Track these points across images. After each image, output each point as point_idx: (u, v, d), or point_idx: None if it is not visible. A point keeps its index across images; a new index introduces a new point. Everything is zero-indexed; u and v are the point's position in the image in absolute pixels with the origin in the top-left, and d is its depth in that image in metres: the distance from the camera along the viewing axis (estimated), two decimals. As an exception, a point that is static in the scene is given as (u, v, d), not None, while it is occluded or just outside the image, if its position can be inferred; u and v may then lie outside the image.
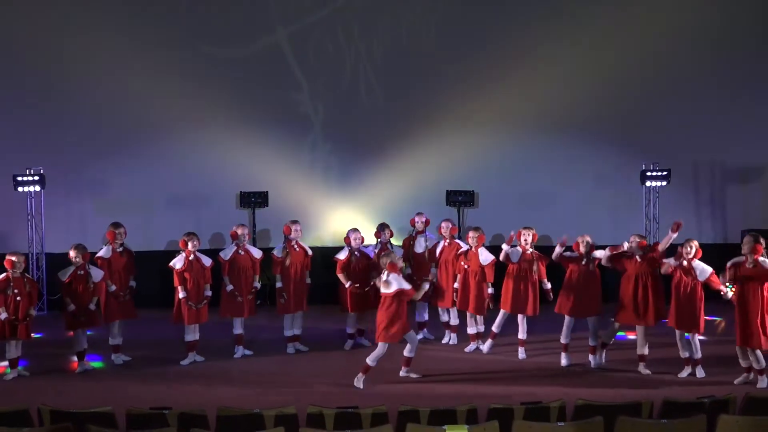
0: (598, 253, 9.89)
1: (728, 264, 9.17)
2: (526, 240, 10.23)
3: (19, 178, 12.79)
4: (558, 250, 9.93)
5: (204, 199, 13.65)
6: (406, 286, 9.22)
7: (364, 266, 10.74)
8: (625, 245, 9.68)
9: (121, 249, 10.33)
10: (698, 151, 14.06)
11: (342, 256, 10.76)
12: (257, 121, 13.59)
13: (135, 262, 10.52)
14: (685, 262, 9.33)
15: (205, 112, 13.46)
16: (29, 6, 13.21)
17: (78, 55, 13.25)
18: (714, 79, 13.90)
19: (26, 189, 12.90)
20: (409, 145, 13.75)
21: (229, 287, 10.40)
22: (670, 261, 9.44)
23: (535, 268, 10.18)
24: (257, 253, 10.72)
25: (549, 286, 10.21)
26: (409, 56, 13.89)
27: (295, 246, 10.68)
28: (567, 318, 10.00)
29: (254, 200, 13.51)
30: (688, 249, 9.35)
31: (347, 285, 10.62)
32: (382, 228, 11.12)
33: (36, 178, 12.84)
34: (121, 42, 13.23)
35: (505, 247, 10.25)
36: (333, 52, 13.89)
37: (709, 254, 9.69)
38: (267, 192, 13.53)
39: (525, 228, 10.30)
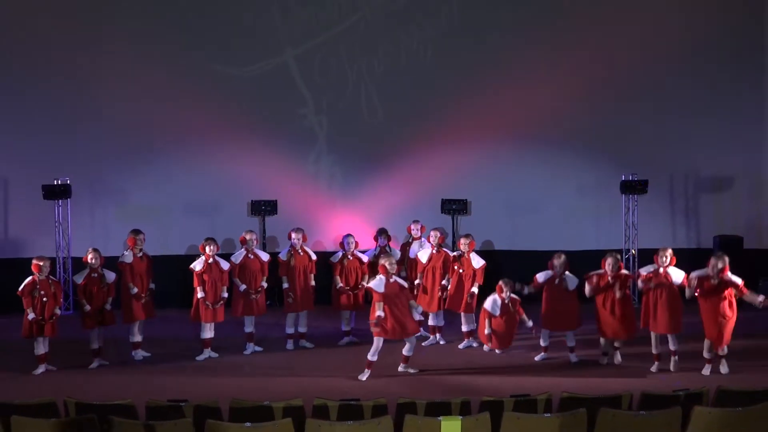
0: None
1: (693, 275, 9.21)
2: (505, 294, 10.00)
3: (48, 188, 12.82)
4: (538, 280, 9.97)
5: (217, 207, 13.64)
6: (378, 288, 9.25)
7: (356, 269, 10.84)
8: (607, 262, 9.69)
9: (141, 254, 10.38)
10: (674, 162, 14.02)
11: (335, 259, 10.91)
12: (266, 135, 13.59)
13: (154, 266, 10.56)
14: (661, 270, 9.40)
15: (218, 127, 13.44)
16: (54, 23, 13.19)
17: (102, 75, 13.24)
18: (689, 94, 13.85)
19: (54, 198, 12.92)
20: (407, 156, 13.73)
21: (242, 287, 10.44)
22: (642, 271, 9.53)
23: (513, 310, 10.07)
24: (265, 257, 10.78)
25: (531, 323, 10.06)
26: (407, 74, 13.87)
27: (300, 251, 10.76)
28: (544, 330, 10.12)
29: (264, 208, 13.51)
30: (664, 258, 9.43)
31: (338, 287, 10.77)
32: (380, 233, 11.27)
33: (63, 187, 12.87)
34: (142, 62, 13.23)
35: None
36: (336, 71, 13.90)
37: (683, 259, 9.73)
38: (276, 200, 13.55)
39: (505, 284, 10.01)
